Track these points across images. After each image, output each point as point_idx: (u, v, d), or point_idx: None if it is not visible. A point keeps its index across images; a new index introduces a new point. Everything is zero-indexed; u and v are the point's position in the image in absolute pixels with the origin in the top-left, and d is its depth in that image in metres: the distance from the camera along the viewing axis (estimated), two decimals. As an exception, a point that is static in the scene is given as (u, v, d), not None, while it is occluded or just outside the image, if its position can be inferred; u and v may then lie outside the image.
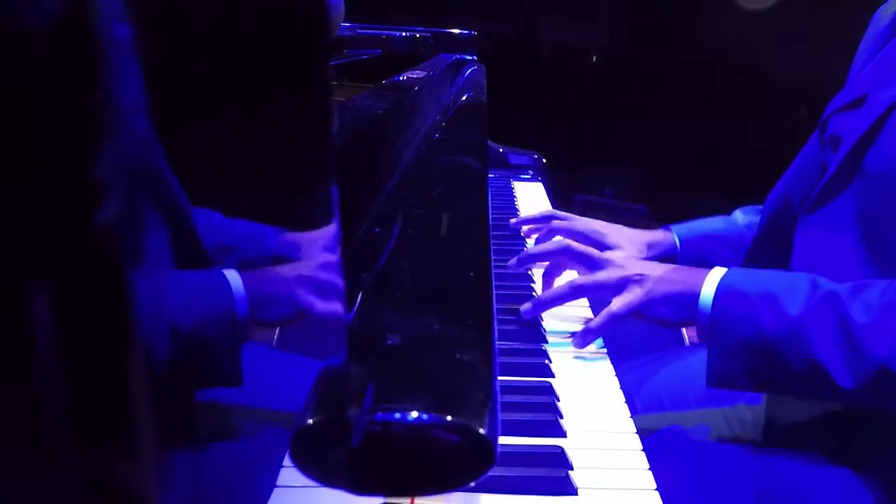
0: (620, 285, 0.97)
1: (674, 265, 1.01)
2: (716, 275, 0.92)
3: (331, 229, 0.42)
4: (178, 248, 0.32)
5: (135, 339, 0.23)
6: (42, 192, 0.21)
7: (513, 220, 1.39)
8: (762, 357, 0.86)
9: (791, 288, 0.86)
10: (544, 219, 1.35)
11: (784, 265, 1.00)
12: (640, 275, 0.96)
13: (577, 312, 1.12)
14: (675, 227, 1.30)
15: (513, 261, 1.07)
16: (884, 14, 1.07)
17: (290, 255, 0.43)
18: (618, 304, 0.97)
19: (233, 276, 0.37)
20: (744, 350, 0.87)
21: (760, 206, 1.29)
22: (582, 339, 0.99)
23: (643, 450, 0.79)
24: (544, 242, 1.07)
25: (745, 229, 1.27)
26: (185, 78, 0.31)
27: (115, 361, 0.23)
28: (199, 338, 0.34)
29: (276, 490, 0.47)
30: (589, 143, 4.25)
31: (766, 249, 1.10)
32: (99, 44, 0.21)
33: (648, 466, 0.75)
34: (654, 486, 0.72)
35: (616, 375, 0.95)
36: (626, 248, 1.26)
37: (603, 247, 1.27)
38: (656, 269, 0.97)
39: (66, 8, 0.20)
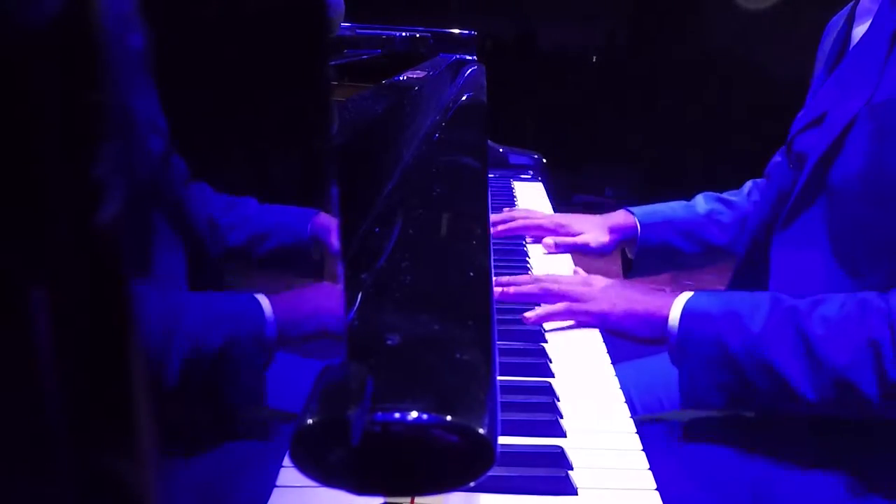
0: (584, 298, 1.04)
1: (646, 286, 1.05)
2: (682, 298, 0.95)
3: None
4: (193, 265, 0.32)
5: (134, 344, 0.23)
6: (41, 194, 0.21)
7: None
8: (730, 375, 0.89)
9: (753, 306, 0.89)
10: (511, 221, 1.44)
11: (766, 286, 1.02)
12: (604, 292, 1.03)
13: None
14: (636, 210, 1.36)
15: (506, 289, 1.11)
16: (834, 32, 1.08)
17: (325, 238, 0.44)
18: (574, 306, 1.04)
19: (263, 300, 0.38)
20: (711, 369, 0.90)
21: (719, 195, 1.33)
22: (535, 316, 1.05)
23: (643, 450, 0.79)
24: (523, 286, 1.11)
25: (705, 217, 1.30)
26: (185, 78, 0.31)
27: (115, 366, 0.23)
28: (228, 358, 0.35)
29: (275, 490, 0.47)
30: (589, 143, 4.25)
31: (749, 273, 1.12)
32: (100, 43, 0.21)
33: (648, 466, 0.75)
34: (654, 486, 0.72)
35: (616, 375, 0.95)
36: (592, 231, 1.37)
37: (569, 235, 1.39)
38: (624, 292, 1.03)
39: (66, 8, 0.20)
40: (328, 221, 0.43)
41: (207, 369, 0.33)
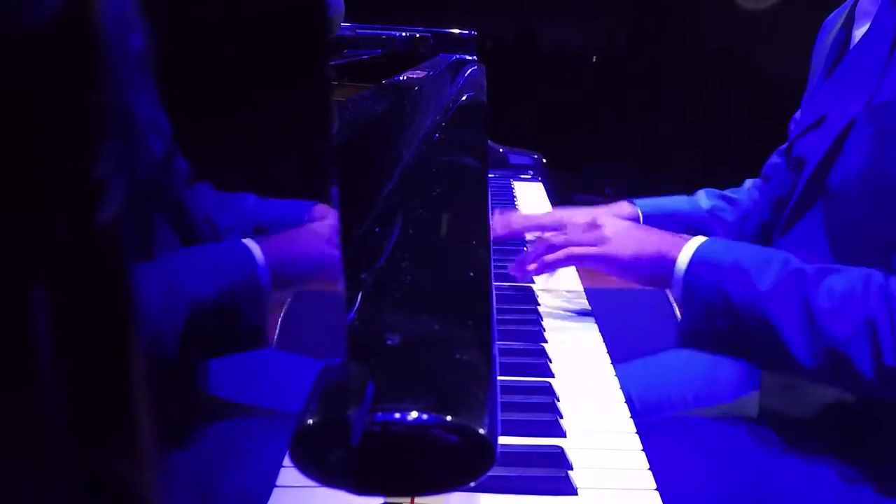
0: (591, 242, 1.03)
1: (655, 229, 1.05)
2: (694, 243, 0.96)
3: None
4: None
5: (135, 341, 0.23)
6: (41, 194, 0.21)
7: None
8: (729, 325, 0.90)
9: (763, 262, 0.89)
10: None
11: None
12: (614, 233, 1.02)
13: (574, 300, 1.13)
14: (639, 202, 1.34)
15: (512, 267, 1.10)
16: (833, 31, 1.08)
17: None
18: (577, 251, 1.04)
19: (253, 246, 0.39)
20: (712, 316, 0.91)
21: (721, 192, 1.31)
22: (528, 269, 1.06)
23: (643, 450, 0.79)
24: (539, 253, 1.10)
25: (708, 214, 1.29)
26: (185, 79, 0.31)
27: (115, 366, 0.23)
28: (228, 307, 0.36)
29: (275, 490, 0.47)
30: (589, 143, 4.25)
31: None
32: (100, 43, 0.21)
33: (648, 466, 0.75)
34: (654, 486, 0.72)
35: (616, 375, 0.95)
36: None
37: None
38: (634, 232, 1.02)
39: (66, 8, 0.20)
40: (325, 214, 0.43)
41: (209, 323, 0.34)
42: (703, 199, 1.32)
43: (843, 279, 0.85)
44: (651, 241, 0.99)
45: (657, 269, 0.97)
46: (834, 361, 0.83)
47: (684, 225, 1.30)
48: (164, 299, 0.28)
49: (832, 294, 0.84)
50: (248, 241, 0.39)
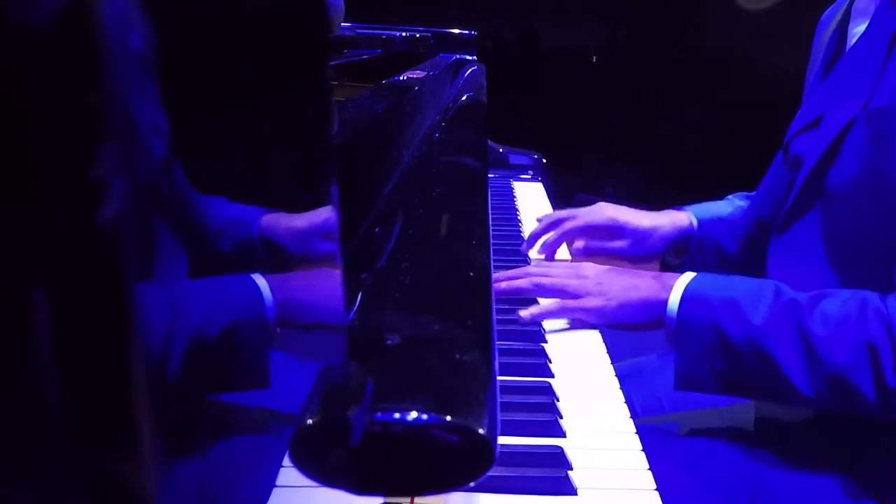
0: (578, 293, 1.03)
1: (643, 272, 1.03)
2: (683, 280, 0.94)
3: (317, 215, 0.42)
4: (195, 268, 0.32)
5: (135, 344, 0.23)
6: (41, 194, 0.21)
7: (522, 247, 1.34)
8: (726, 362, 0.89)
9: (755, 296, 0.88)
10: (552, 225, 1.33)
11: None
12: (598, 284, 1.02)
13: None
14: (690, 209, 1.29)
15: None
16: (830, 28, 1.07)
17: (277, 238, 0.44)
18: (569, 304, 1.02)
19: (262, 283, 0.38)
20: (708, 355, 0.89)
21: (750, 193, 1.29)
22: (530, 315, 1.04)
23: (643, 450, 0.79)
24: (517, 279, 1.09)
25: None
26: (184, 79, 0.31)
27: (115, 366, 0.23)
28: (230, 343, 0.35)
29: (275, 490, 0.47)
30: (589, 143, 4.25)
31: (745, 271, 1.12)
32: (100, 43, 0.21)
33: (648, 466, 0.75)
34: (654, 486, 0.72)
35: (616, 375, 0.95)
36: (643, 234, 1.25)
37: (623, 231, 1.29)
38: (619, 280, 1.01)
39: (66, 8, 0.20)
40: (276, 220, 0.42)
41: (210, 356, 0.33)
42: (737, 203, 1.30)
43: (837, 303, 0.84)
44: (637, 286, 0.98)
45: (648, 314, 0.96)
46: (836, 388, 0.82)
47: (729, 228, 1.27)
48: (164, 324, 0.28)
49: (827, 320, 0.83)
50: (258, 278, 0.39)
